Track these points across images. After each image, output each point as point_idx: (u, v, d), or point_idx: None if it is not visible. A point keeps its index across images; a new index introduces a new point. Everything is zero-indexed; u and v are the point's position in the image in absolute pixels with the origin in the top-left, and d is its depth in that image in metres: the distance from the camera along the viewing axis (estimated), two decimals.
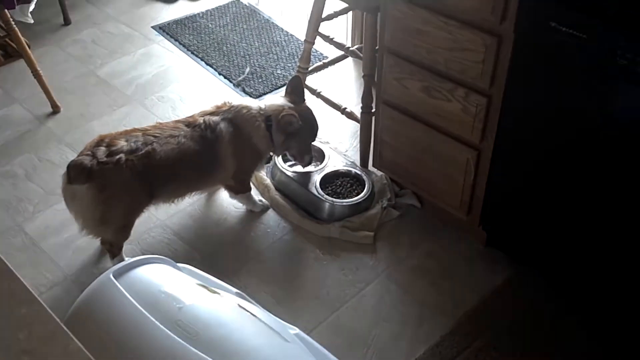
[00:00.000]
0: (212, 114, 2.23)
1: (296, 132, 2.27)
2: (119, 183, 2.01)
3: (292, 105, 2.29)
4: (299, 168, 2.52)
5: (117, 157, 1.99)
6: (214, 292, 1.60)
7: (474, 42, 1.84)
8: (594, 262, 1.91)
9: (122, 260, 2.16)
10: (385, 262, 2.29)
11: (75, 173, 1.96)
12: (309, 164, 2.44)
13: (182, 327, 1.41)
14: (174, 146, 2.10)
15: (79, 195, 1.99)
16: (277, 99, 2.35)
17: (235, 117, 2.24)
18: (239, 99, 2.35)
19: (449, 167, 2.15)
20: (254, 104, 2.30)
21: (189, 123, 2.19)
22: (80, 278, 2.21)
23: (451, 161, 2.13)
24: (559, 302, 2.10)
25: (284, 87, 3.02)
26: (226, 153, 2.22)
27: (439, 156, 2.17)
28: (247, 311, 1.57)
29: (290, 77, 3.05)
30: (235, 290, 1.80)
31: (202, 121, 2.19)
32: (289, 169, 2.53)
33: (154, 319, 1.42)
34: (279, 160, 2.55)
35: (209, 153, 2.18)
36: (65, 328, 0.92)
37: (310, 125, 2.34)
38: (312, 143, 2.43)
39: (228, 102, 2.29)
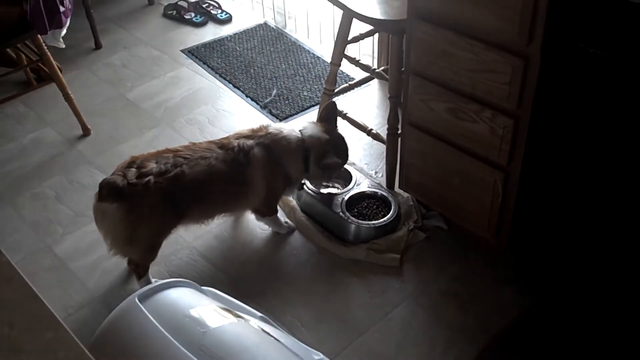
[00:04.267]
0: (247, 137, 2.23)
1: (334, 170, 2.34)
2: (147, 204, 2.03)
3: (328, 137, 2.29)
4: (329, 190, 2.56)
5: (147, 179, 2.01)
6: (238, 316, 1.60)
7: (500, 63, 1.83)
8: (624, 288, 1.86)
9: (149, 281, 2.17)
10: (412, 285, 2.26)
11: (107, 191, 1.99)
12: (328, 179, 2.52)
13: (205, 352, 1.41)
14: (205, 168, 2.11)
15: (109, 214, 2.02)
16: (313, 128, 2.32)
17: (272, 144, 2.23)
18: (274, 124, 2.35)
19: (476, 189, 2.12)
20: (292, 133, 2.28)
21: (223, 145, 2.20)
22: (107, 299, 2.22)
23: (478, 183, 2.11)
24: (588, 329, 2.05)
25: (311, 109, 3.07)
26: (257, 178, 2.21)
27: (465, 178, 2.14)
28: (271, 336, 1.56)
29: (317, 99, 3.09)
30: (259, 314, 1.79)
31: (235, 144, 2.19)
32: (315, 190, 2.53)
33: (178, 344, 1.42)
34: (306, 182, 2.55)
35: (240, 177, 2.19)
36: (89, 354, 0.92)
37: (343, 153, 2.36)
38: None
39: (264, 127, 2.29)
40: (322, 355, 1.77)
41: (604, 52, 1.58)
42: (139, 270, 2.19)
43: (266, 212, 2.40)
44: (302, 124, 2.36)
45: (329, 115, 2.37)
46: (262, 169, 2.21)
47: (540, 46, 1.72)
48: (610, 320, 2.02)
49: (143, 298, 1.57)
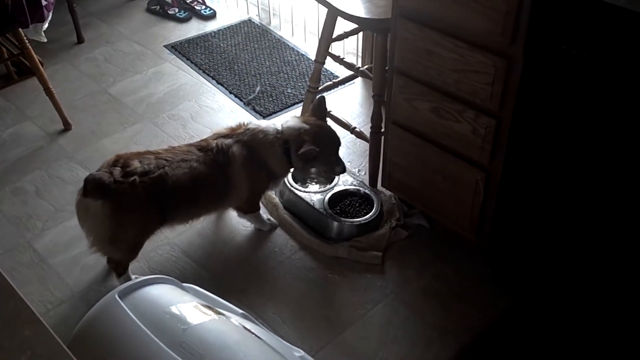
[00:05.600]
0: (225, 136, 2.21)
1: (316, 158, 2.24)
2: (133, 203, 2.01)
3: (307, 127, 2.24)
4: (311, 187, 2.55)
5: (132, 178, 1.99)
6: (220, 313, 1.60)
7: (483, 64, 1.84)
8: (603, 287, 1.88)
9: (129, 278, 2.16)
10: (394, 283, 2.27)
11: (92, 187, 1.96)
12: (341, 173, 2.39)
13: (186, 349, 1.40)
14: (186, 170, 2.09)
15: (93, 211, 1.99)
16: (293, 120, 2.30)
17: (250, 140, 2.21)
18: (254, 120, 2.32)
19: (458, 187, 2.14)
20: (270, 127, 2.25)
21: (202, 147, 2.18)
22: (87, 295, 2.21)
23: (460, 182, 2.12)
24: (567, 328, 2.07)
25: (294, 106, 3.07)
26: (239, 176, 2.20)
27: (448, 177, 2.16)
28: (252, 333, 1.56)
29: (301, 97, 3.08)
30: (240, 311, 1.79)
31: (214, 145, 2.17)
32: (297, 187, 2.53)
33: (158, 341, 1.41)
34: (287, 179, 2.54)
35: (221, 177, 2.17)
36: (67, 350, 0.92)
37: (327, 143, 2.29)
38: (338, 154, 2.36)
39: (244, 124, 2.27)
40: (303, 353, 1.77)
41: (586, 54, 1.60)
42: (118, 269, 2.18)
43: (249, 209, 2.39)
44: (284, 119, 2.36)
45: (316, 109, 2.34)
46: (243, 167, 2.19)
47: (523, 47, 1.73)
48: (589, 319, 2.04)
49: (123, 295, 1.56)
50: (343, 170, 2.36)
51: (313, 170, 2.38)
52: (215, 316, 1.56)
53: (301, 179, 2.52)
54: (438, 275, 2.29)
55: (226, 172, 2.17)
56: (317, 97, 2.40)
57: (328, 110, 2.68)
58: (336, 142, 2.34)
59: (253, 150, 2.21)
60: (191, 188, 2.10)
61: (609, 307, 1.92)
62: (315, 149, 2.19)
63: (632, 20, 1.48)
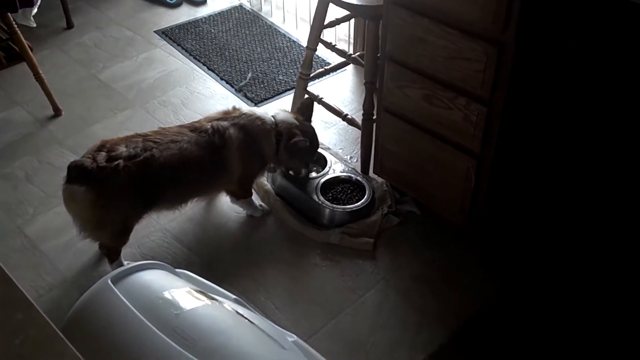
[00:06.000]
0: (220, 119, 2.23)
1: (300, 153, 2.32)
2: (116, 188, 2.00)
3: (297, 123, 2.32)
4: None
5: (116, 162, 1.99)
6: (212, 298, 1.60)
7: (475, 51, 1.84)
8: (593, 273, 1.91)
9: (121, 264, 2.16)
10: (385, 269, 2.28)
11: (75, 174, 1.97)
12: (306, 175, 2.50)
13: (179, 334, 1.41)
14: (175, 152, 2.09)
15: (77, 197, 1.99)
16: (285, 114, 2.36)
17: (247, 124, 2.24)
18: (246, 106, 2.36)
19: (450, 174, 2.15)
20: (266, 116, 2.30)
21: (195, 128, 2.18)
22: (79, 281, 2.21)
23: (451, 169, 2.13)
24: (557, 315, 2.10)
25: (286, 93, 3.07)
26: (234, 158, 2.21)
27: (439, 164, 2.17)
28: (245, 318, 1.57)
29: (292, 84, 3.08)
30: (233, 296, 1.80)
31: (209, 126, 2.18)
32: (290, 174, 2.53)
33: (151, 325, 1.42)
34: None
35: (215, 158, 2.18)
36: (61, 334, 0.92)
37: (312, 145, 2.38)
38: (314, 157, 2.48)
39: (237, 109, 2.30)
40: (295, 337, 1.78)
41: (577, 41, 1.61)
42: (110, 254, 2.18)
43: (241, 194, 2.40)
44: (273, 110, 2.37)
45: (304, 109, 2.41)
46: (239, 150, 2.21)
47: (515, 35, 1.74)
48: (578, 305, 2.07)
49: (116, 280, 1.56)
50: (307, 175, 2.49)
51: (291, 164, 2.43)
52: (208, 301, 1.57)
53: (276, 169, 2.54)
54: (429, 261, 2.31)
55: (221, 153, 2.18)
56: (306, 98, 2.44)
57: (320, 97, 2.70)
58: (316, 147, 2.44)
59: (250, 134, 2.23)
60: (180, 169, 2.10)
61: (598, 294, 1.94)
62: (307, 142, 2.28)
63: (623, 8, 1.49)
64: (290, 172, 2.50)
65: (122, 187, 2.01)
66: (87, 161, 1.98)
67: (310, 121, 2.43)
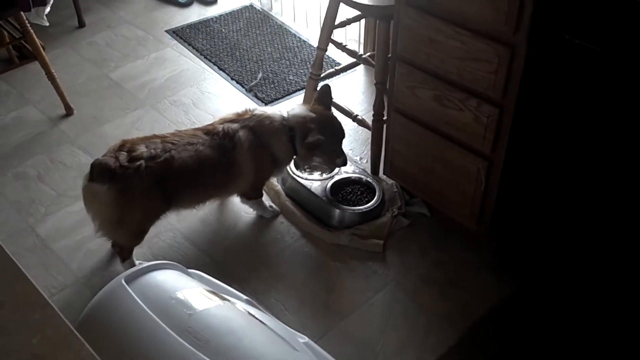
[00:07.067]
0: (231, 121, 2.23)
1: (319, 148, 2.26)
2: (138, 188, 2.01)
3: (313, 115, 2.26)
4: (315, 175, 2.55)
5: (138, 163, 2.00)
6: (224, 299, 1.61)
7: (486, 52, 1.84)
8: (605, 276, 1.90)
9: (133, 263, 2.17)
10: (395, 271, 2.29)
11: (99, 172, 1.97)
12: (342, 165, 2.42)
13: (192, 334, 1.42)
14: (192, 154, 2.10)
15: (99, 196, 2.00)
16: (300, 108, 2.32)
17: (256, 126, 2.23)
18: (260, 107, 2.34)
19: (460, 176, 2.15)
20: (276, 114, 2.28)
21: (208, 131, 2.19)
22: (91, 280, 2.22)
23: (462, 171, 2.13)
24: (568, 317, 2.09)
25: (296, 93, 3.07)
26: (244, 161, 2.21)
27: (449, 165, 2.16)
28: (257, 319, 1.57)
29: (303, 84, 3.08)
30: (245, 297, 1.80)
31: (220, 129, 2.18)
32: (300, 175, 2.54)
33: (164, 325, 1.43)
34: (290, 166, 2.55)
35: (227, 161, 2.18)
36: (77, 333, 0.93)
37: (332, 133, 2.31)
38: (341, 146, 2.39)
39: (250, 110, 2.28)
40: (307, 339, 1.79)
41: (589, 43, 1.60)
42: (122, 253, 2.19)
43: (252, 194, 2.40)
44: (289, 106, 2.36)
45: (321, 97, 2.36)
46: (248, 152, 2.20)
47: (527, 36, 1.73)
48: (590, 308, 2.06)
49: (129, 280, 1.57)
50: (344, 163, 2.39)
51: (316, 159, 2.39)
52: (220, 302, 1.58)
53: (303, 167, 2.54)
54: (438, 263, 2.31)
55: (232, 156, 2.18)
56: (322, 85, 2.40)
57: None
58: (341, 133, 2.36)
59: (259, 135, 2.23)
60: (197, 171, 2.11)
61: (608, 296, 1.94)
62: (322, 138, 2.21)
63: (635, 9, 1.49)
64: (321, 173, 2.50)
65: (143, 187, 2.02)
66: (110, 160, 1.99)
67: (329, 109, 2.37)
